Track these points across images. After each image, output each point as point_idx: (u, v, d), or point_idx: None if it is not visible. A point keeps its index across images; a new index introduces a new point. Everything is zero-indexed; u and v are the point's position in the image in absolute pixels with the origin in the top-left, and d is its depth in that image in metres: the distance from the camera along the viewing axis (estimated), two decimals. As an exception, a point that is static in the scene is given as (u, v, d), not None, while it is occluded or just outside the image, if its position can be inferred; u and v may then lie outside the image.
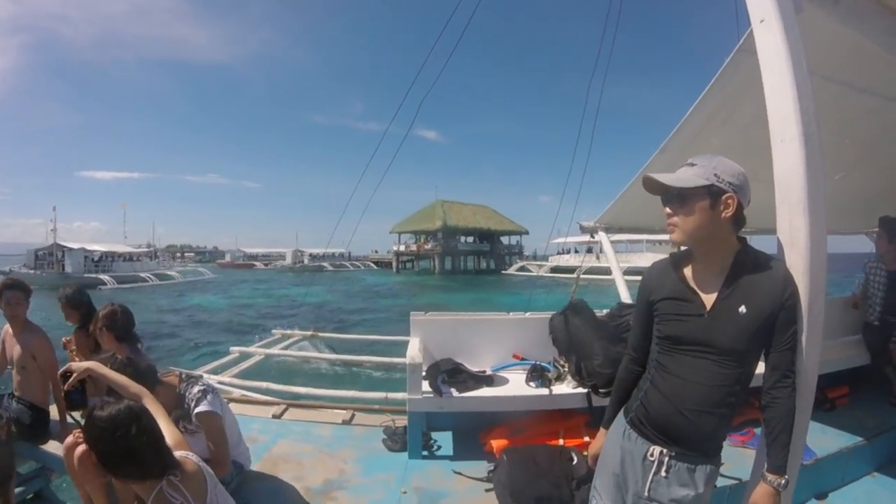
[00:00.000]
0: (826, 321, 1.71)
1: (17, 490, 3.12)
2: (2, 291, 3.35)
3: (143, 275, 42.87)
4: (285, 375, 8.16)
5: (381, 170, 6.56)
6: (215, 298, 31.91)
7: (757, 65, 1.87)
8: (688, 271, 1.66)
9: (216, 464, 2.44)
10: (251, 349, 8.82)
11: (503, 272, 56.65)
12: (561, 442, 3.14)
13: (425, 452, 3.32)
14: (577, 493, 2.62)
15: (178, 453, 1.83)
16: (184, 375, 2.66)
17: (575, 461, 2.79)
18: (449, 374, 3.40)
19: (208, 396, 2.51)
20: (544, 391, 3.30)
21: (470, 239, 64.67)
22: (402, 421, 3.67)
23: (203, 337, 17.16)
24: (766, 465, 1.58)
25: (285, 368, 9.12)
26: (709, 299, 1.58)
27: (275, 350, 9.16)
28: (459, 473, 3.04)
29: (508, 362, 3.80)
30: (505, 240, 69.60)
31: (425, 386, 3.29)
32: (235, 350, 8.46)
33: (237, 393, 5.70)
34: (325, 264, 66.12)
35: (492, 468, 2.96)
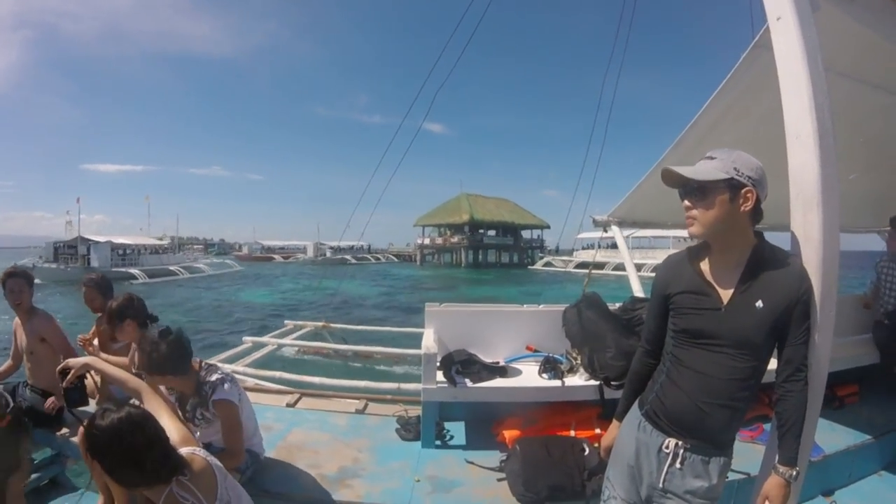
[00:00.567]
0: (837, 319, 1.73)
1: (31, 476, 3.14)
2: (4, 281, 3.39)
3: (172, 268, 41.37)
4: (297, 365, 8.24)
5: (387, 163, 6.58)
6: (265, 293, 29.85)
7: (772, 61, 1.88)
8: (704, 265, 1.67)
9: (230, 454, 2.46)
10: (264, 339, 8.92)
11: (529, 267, 56.26)
12: (572, 433, 3.17)
13: (438, 442, 3.36)
14: (589, 483, 2.65)
15: (184, 450, 1.77)
16: (203, 364, 2.66)
17: (587, 452, 2.82)
18: (463, 364, 3.44)
19: (226, 385, 2.53)
20: (557, 383, 3.34)
21: (492, 232, 64.46)
22: (414, 411, 3.73)
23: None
24: (777, 457, 1.60)
25: (297, 359, 9.20)
26: (726, 293, 1.60)
27: (287, 340, 9.24)
28: (472, 463, 3.07)
29: (521, 354, 3.83)
30: (525, 234, 69.35)
31: (439, 376, 3.33)
32: (248, 340, 8.55)
33: (251, 382, 5.78)
34: (347, 257, 65.64)
35: (504, 458, 3.01)
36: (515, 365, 3.68)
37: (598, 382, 3.24)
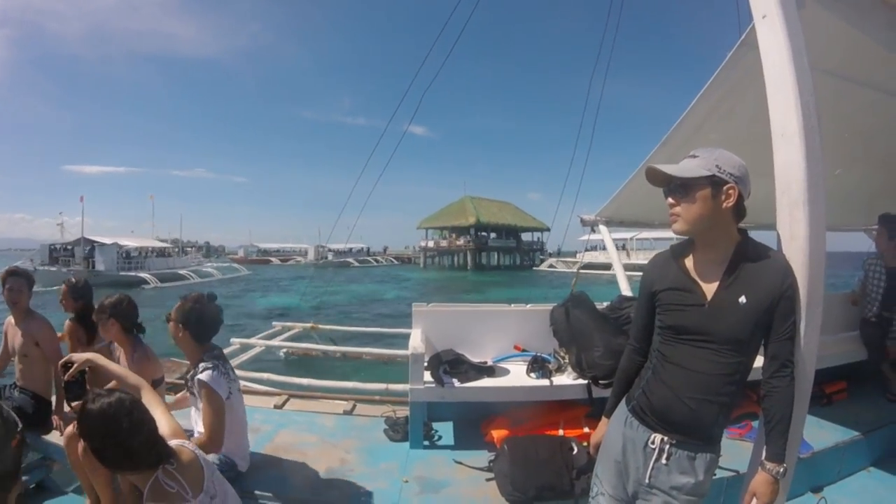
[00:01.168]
0: (824, 316, 1.74)
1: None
2: (5, 279, 3.38)
3: (181, 272, 38.80)
4: (286, 367, 8.21)
5: (373, 165, 6.53)
6: (292, 299, 25.47)
7: (758, 59, 1.89)
8: (689, 262, 1.68)
9: (206, 436, 2.47)
10: (252, 340, 8.86)
11: (534, 269, 56.56)
12: (561, 432, 3.16)
13: (426, 442, 3.35)
14: (578, 482, 2.65)
15: (173, 442, 1.83)
16: (217, 351, 2.72)
17: (575, 451, 2.82)
18: (450, 364, 3.43)
19: (214, 372, 2.54)
20: (545, 382, 3.33)
21: (493, 235, 64.68)
22: (403, 411, 3.71)
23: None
24: (764, 454, 1.61)
25: (286, 360, 9.17)
26: (709, 289, 1.60)
27: (275, 342, 9.20)
28: (461, 463, 3.06)
29: (509, 353, 3.83)
30: (525, 236, 69.79)
31: (427, 376, 3.32)
32: (236, 342, 8.49)
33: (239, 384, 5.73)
34: (350, 260, 65.35)
35: (493, 458, 2.99)
36: (503, 364, 3.68)
37: (586, 381, 3.24)
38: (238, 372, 6.62)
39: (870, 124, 3.30)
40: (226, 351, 8.01)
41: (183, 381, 2.95)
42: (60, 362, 2.35)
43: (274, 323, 10.47)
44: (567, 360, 3.46)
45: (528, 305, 4.11)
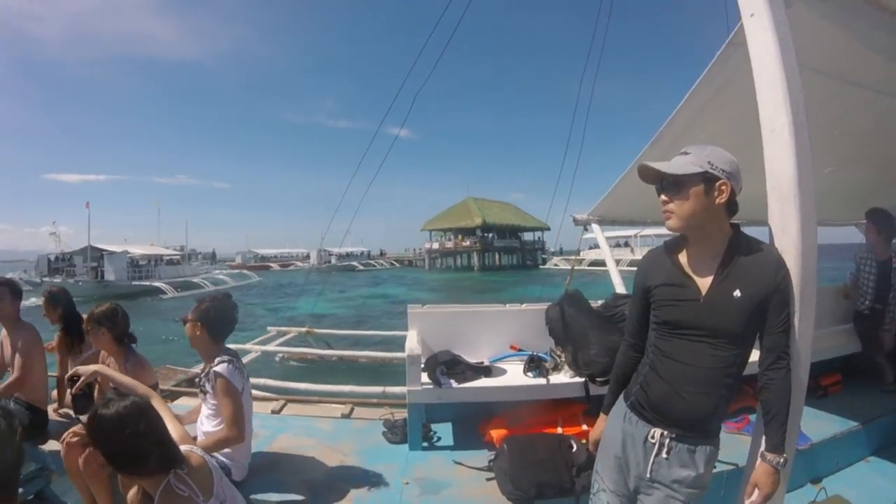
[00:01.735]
0: (818, 310, 1.76)
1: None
2: None
3: (195, 280, 37.51)
4: (282, 372, 8.19)
5: (362, 169, 6.44)
6: (327, 305, 24.36)
7: (747, 57, 1.90)
8: (682, 257, 1.69)
9: (227, 424, 2.53)
10: (247, 346, 8.84)
11: (541, 267, 56.44)
12: (559, 430, 3.18)
13: (425, 444, 3.35)
14: (578, 479, 2.65)
15: (183, 447, 1.86)
16: (231, 352, 2.78)
17: (574, 448, 2.83)
18: (447, 365, 3.43)
19: (229, 366, 2.60)
20: (542, 381, 3.34)
21: (493, 236, 64.83)
22: (401, 413, 3.71)
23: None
24: (764, 445, 1.62)
25: (282, 365, 9.15)
26: (704, 284, 1.62)
27: (271, 347, 9.18)
28: (460, 463, 3.07)
29: (506, 353, 3.84)
30: (526, 236, 70.22)
31: (424, 378, 3.32)
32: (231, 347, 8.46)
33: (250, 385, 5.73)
34: (355, 264, 65.38)
35: (492, 457, 2.99)
36: (500, 364, 3.68)
37: (583, 379, 3.25)
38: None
39: (861, 123, 3.32)
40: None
41: (195, 383, 3.07)
42: (68, 375, 2.38)
43: (269, 327, 10.45)
44: (563, 359, 3.47)
45: (523, 305, 4.12)
